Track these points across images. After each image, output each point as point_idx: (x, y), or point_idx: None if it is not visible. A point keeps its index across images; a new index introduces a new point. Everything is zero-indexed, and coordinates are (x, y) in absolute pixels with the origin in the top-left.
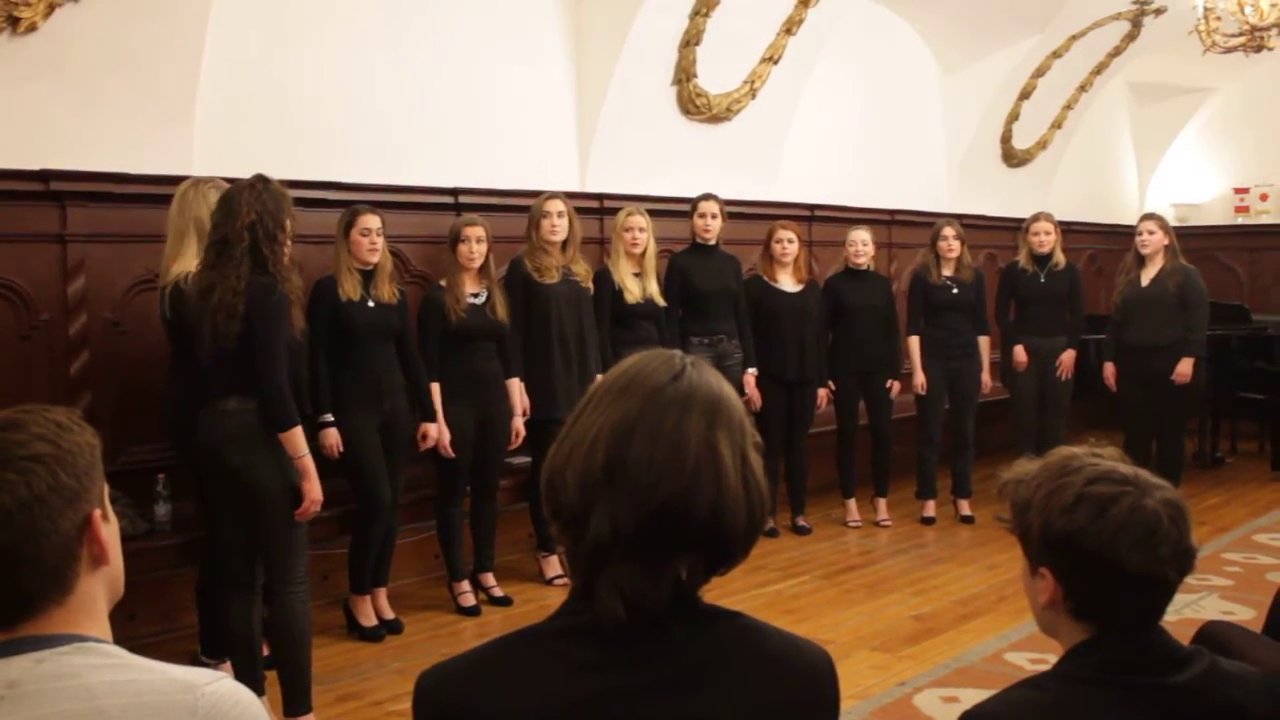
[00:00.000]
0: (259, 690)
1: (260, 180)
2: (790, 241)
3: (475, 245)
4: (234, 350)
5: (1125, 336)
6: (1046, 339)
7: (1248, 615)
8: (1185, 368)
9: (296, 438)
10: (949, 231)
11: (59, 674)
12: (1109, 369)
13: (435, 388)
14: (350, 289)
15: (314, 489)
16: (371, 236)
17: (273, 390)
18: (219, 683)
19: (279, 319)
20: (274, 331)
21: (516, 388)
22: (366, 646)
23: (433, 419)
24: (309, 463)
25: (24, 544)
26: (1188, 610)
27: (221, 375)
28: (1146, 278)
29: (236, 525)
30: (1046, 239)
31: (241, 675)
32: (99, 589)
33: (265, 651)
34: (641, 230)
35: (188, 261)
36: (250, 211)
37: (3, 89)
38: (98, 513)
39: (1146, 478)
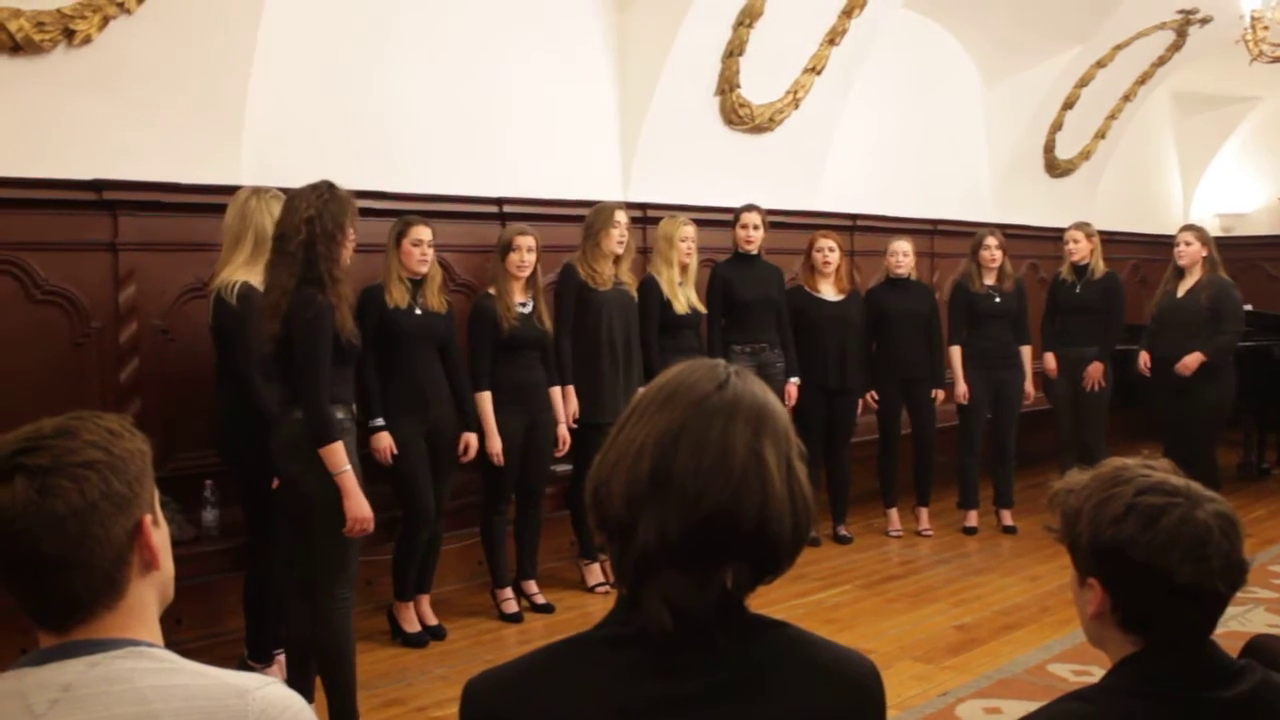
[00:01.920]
0: (309, 696)
1: (325, 184)
2: (831, 250)
3: (526, 254)
4: (272, 353)
5: (1156, 347)
6: (1075, 349)
7: None
8: (1191, 360)
9: (334, 454)
10: (991, 241)
11: (112, 678)
12: (1144, 356)
13: (486, 396)
14: (398, 296)
15: (354, 507)
16: (423, 248)
17: (307, 405)
18: (270, 687)
19: (315, 333)
20: (309, 345)
21: (560, 396)
22: (410, 652)
23: (474, 429)
24: (347, 479)
25: (77, 549)
26: (1233, 623)
27: (280, 383)
28: (1183, 289)
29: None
30: (1075, 247)
31: (294, 679)
32: (150, 594)
33: None
34: (693, 240)
35: (236, 270)
36: (310, 208)
37: (58, 99)
38: (149, 519)
39: (1198, 490)
